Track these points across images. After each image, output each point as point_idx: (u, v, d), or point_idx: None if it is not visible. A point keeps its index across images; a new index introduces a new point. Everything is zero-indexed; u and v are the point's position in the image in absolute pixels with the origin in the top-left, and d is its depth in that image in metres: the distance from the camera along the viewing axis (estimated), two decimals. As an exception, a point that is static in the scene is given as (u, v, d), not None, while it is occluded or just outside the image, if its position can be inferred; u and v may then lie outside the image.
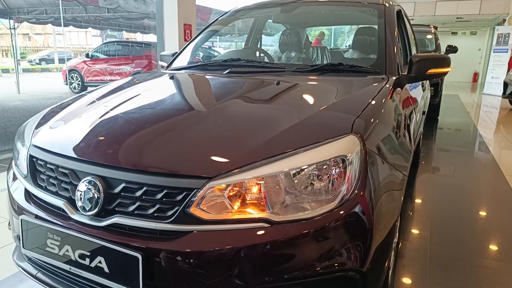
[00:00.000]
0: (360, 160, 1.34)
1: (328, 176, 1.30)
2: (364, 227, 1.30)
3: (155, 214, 1.29)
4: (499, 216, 3.08)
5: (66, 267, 1.38)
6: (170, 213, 1.27)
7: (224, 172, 1.25)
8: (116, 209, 1.34)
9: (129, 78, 2.56)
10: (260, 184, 1.26)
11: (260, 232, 1.20)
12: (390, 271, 1.80)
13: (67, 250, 1.37)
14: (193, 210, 1.24)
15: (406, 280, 2.17)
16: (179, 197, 1.26)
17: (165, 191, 1.28)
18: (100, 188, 1.35)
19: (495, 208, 3.24)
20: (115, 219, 1.32)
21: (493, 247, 2.57)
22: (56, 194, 1.49)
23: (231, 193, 1.27)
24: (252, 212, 1.25)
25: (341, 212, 1.25)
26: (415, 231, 2.78)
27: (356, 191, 1.30)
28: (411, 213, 3.09)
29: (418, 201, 3.37)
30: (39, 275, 1.62)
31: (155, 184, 1.29)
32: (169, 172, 1.29)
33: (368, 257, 1.31)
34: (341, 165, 1.32)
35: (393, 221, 1.53)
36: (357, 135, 1.40)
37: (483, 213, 3.13)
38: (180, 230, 1.24)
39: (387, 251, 1.51)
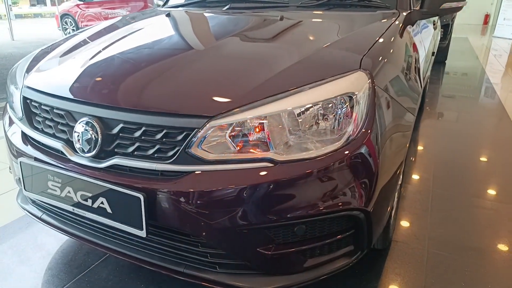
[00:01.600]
0: (368, 99, 1.28)
1: (334, 115, 1.25)
2: (370, 168, 1.26)
3: (156, 155, 1.25)
4: (502, 159, 3.07)
5: (69, 208, 1.38)
6: (170, 153, 1.23)
7: (225, 111, 1.20)
8: (116, 150, 1.31)
9: (123, 17, 2.42)
10: (263, 123, 1.21)
11: (263, 172, 1.17)
12: (393, 212, 1.81)
13: (68, 192, 1.36)
14: (194, 150, 1.20)
15: (408, 220, 2.20)
16: (179, 137, 1.22)
17: (164, 131, 1.23)
18: (98, 129, 1.30)
19: (499, 152, 3.22)
20: (115, 160, 1.29)
21: (494, 189, 2.58)
22: (53, 136, 1.45)
23: (233, 133, 1.22)
24: (255, 152, 1.21)
25: (346, 152, 1.21)
26: (417, 174, 2.78)
27: (363, 131, 1.25)
28: (414, 157, 3.08)
29: (421, 145, 3.35)
30: (44, 216, 1.63)
31: (154, 124, 1.24)
32: (168, 111, 1.23)
33: (373, 197, 1.30)
34: (348, 103, 1.26)
35: (398, 164, 1.50)
36: (365, 71, 1.33)
37: (486, 157, 3.11)
38: (181, 170, 1.21)
39: (391, 193, 1.49)
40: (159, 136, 1.24)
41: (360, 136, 1.24)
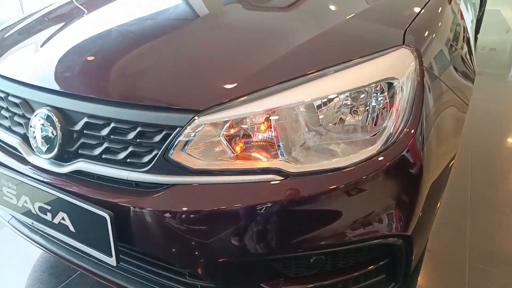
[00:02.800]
0: (414, 86, 0.94)
1: (368, 109, 0.92)
2: (414, 181, 0.94)
3: (128, 160, 0.95)
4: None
5: (28, 221, 1.10)
6: (147, 159, 0.93)
7: (219, 103, 0.88)
8: (80, 151, 1.01)
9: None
10: (270, 120, 0.88)
11: (270, 188, 0.86)
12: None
13: (25, 201, 1.07)
14: (177, 155, 0.89)
15: (443, 225, 1.87)
16: (157, 138, 0.91)
17: (138, 130, 0.92)
18: (57, 123, 1.00)
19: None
20: (79, 165, 1.00)
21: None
22: (9, 130, 1.16)
23: (229, 133, 0.90)
24: (260, 159, 0.89)
25: (384, 160, 0.88)
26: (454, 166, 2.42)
27: (407, 130, 0.91)
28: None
29: (455, 131, 2.96)
30: (13, 222, 1.37)
31: (125, 119, 0.93)
32: (142, 103, 0.92)
33: (415, 217, 0.98)
34: (386, 92, 0.92)
35: (446, 172, 1.16)
36: (411, 48, 0.98)
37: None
38: (159, 182, 0.91)
39: (435, 207, 1.16)
40: (131, 135, 0.93)
41: (403, 138, 0.91)
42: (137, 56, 1.05)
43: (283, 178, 0.86)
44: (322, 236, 0.87)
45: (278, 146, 0.88)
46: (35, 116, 1.03)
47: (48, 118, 1.01)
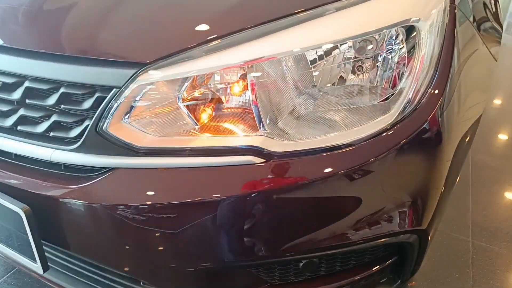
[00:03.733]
0: (444, 31, 0.69)
1: (377, 64, 0.67)
2: (434, 160, 0.71)
3: (51, 134, 0.68)
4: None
5: None
6: (75, 132, 0.67)
7: (174, 52, 0.61)
8: (-12, 120, 0.74)
9: None
10: (246, 77, 0.63)
11: (246, 175, 0.61)
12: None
13: None
14: (115, 127, 0.63)
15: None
16: (87, 104, 0.65)
17: (61, 91, 0.65)
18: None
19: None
20: (-12, 140, 0.73)
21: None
22: None
23: (191, 96, 0.65)
24: (233, 133, 0.64)
25: (401, 135, 0.65)
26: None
27: (431, 92, 0.67)
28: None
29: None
30: None
31: (42, 77, 0.66)
32: (62, 54, 0.65)
33: (432, 206, 0.76)
34: (404, 41, 0.67)
35: (467, 147, 0.93)
36: (438, -20, 0.71)
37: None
38: (92, 164, 0.66)
39: (454, 183, 0.94)
40: (52, 99, 0.66)
41: (425, 105, 0.67)
42: None
43: (264, 160, 0.62)
44: (316, 238, 0.65)
45: (258, 115, 0.63)
46: None
47: None
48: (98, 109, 0.62)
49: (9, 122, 0.71)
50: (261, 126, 0.63)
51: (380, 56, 0.68)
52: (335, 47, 0.63)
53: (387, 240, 0.71)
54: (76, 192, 0.65)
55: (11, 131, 0.72)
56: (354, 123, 0.65)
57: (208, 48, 0.61)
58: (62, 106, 0.66)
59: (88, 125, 0.64)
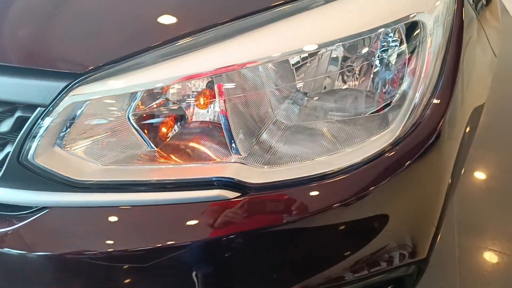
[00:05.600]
0: (451, 25, 0.58)
1: (371, 64, 0.56)
2: (438, 178, 0.61)
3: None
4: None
5: None
6: (-6, 161, 0.51)
7: (119, 59, 0.47)
8: None
9: None
10: (213, 87, 0.49)
11: (219, 217, 0.48)
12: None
13: None
14: (44, 155, 0.49)
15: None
16: (4, 126, 0.49)
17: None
18: None
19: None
20: None
21: None
22: None
23: (142, 113, 0.51)
24: (198, 159, 0.51)
25: (407, 154, 0.53)
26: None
27: (435, 103, 0.56)
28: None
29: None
30: None
31: None
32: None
33: (433, 231, 0.66)
34: (403, 40, 0.55)
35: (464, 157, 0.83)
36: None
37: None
38: (14, 202, 0.51)
39: (452, 195, 0.84)
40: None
41: (432, 113, 0.56)
42: None
43: (238, 194, 0.49)
44: (305, 283, 0.53)
45: (229, 134, 0.49)
46: None
47: None
48: (23, 133, 0.47)
49: None
50: (233, 149, 0.50)
51: (374, 56, 0.56)
52: (323, 49, 0.51)
53: (384, 276, 0.61)
54: (5, 236, 0.50)
55: None
56: (348, 140, 0.54)
57: (164, 52, 0.47)
58: (-28, 128, 0.50)
59: (8, 154, 0.49)
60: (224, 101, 0.49)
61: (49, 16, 0.51)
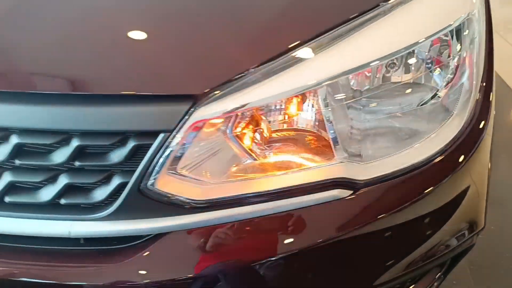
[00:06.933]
0: (484, 18, 0.67)
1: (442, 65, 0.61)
2: (488, 161, 0.69)
3: (63, 201, 0.51)
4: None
5: None
6: (101, 195, 0.50)
7: (235, 78, 0.48)
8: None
9: None
10: (316, 96, 0.52)
11: (341, 215, 0.52)
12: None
13: None
14: (163, 182, 0.49)
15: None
16: (115, 157, 0.48)
17: (74, 144, 0.48)
18: None
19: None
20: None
21: None
22: None
23: (243, 128, 0.52)
24: (303, 165, 0.54)
25: (474, 138, 0.60)
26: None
27: (485, 89, 0.64)
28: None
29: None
30: None
31: (40, 128, 0.48)
32: (72, 92, 0.48)
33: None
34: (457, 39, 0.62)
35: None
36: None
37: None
38: (133, 233, 0.50)
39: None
40: (62, 156, 0.49)
41: (483, 102, 0.63)
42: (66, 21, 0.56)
43: (350, 192, 0.52)
44: (410, 261, 0.58)
45: (334, 137, 0.53)
46: None
47: None
48: (140, 162, 0.47)
49: (-12, 192, 0.51)
50: (337, 151, 0.53)
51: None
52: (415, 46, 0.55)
53: (453, 252, 0.67)
54: (116, 272, 0.49)
55: (-6, 205, 0.52)
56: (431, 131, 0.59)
57: (271, 69, 0.49)
58: (77, 163, 0.49)
59: (122, 184, 0.48)
60: (329, 108, 0.52)
61: (159, 39, 0.51)
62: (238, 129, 0.52)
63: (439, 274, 0.75)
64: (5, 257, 0.52)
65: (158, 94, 0.47)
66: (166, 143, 0.47)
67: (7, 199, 0.51)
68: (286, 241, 0.51)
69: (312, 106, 0.53)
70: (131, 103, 0.47)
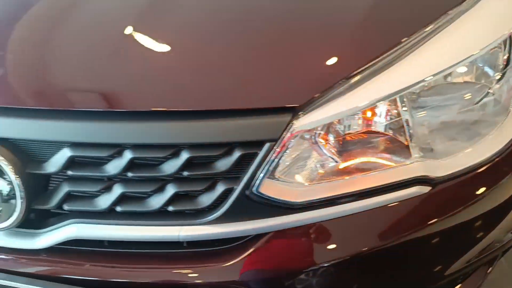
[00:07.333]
0: None
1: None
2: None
3: (171, 208, 0.56)
4: None
5: None
6: (207, 201, 0.55)
7: (329, 88, 0.54)
8: (67, 207, 0.58)
9: None
10: (396, 100, 0.58)
11: (417, 208, 0.57)
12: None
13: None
14: (267, 186, 0.54)
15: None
16: (222, 165, 0.54)
17: (184, 156, 0.53)
18: (6, 167, 0.55)
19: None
20: (71, 231, 0.58)
21: None
22: None
23: (332, 133, 0.58)
24: (382, 164, 0.59)
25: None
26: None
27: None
28: None
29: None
30: None
31: (153, 143, 0.54)
32: (182, 109, 0.54)
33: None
34: None
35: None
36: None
37: None
38: (238, 234, 0.56)
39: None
40: (171, 167, 0.54)
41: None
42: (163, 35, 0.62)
43: (430, 188, 0.58)
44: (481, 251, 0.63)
45: (410, 136, 0.58)
46: None
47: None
48: (243, 170, 0.52)
49: (102, 204, 0.57)
50: (414, 150, 0.59)
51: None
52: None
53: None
54: (226, 271, 0.54)
55: (104, 214, 0.57)
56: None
57: (360, 78, 0.54)
58: (186, 173, 0.54)
59: (228, 190, 0.54)
60: (405, 110, 0.57)
61: (257, 53, 0.56)
62: (322, 135, 0.57)
63: (490, 269, 0.80)
64: (120, 262, 0.57)
65: (263, 107, 0.52)
66: (272, 151, 0.52)
67: (118, 208, 0.56)
68: (374, 236, 0.56)
69: (388, 109, 0.58)
70: (237, 116, 0.52)
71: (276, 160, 0.53)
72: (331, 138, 0.58)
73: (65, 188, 0.57)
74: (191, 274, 0.55)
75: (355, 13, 0.62)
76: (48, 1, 0.73)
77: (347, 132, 0.59)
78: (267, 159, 0.52)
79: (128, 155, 0.54)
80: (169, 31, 0.62)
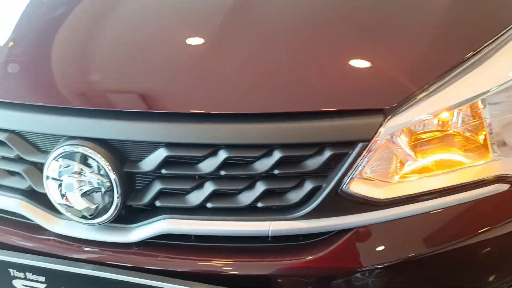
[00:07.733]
0: None
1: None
2: None
3: (260, 205, 0.59)
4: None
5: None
6: (296, 197, 0.58)
7: (417, 89, 0.56)
8: (159, 204, 0.61)
9: None
10: (478, 103, 0.60)
11: (500, 205, 0.60)
12: None
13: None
14: (355, 185, 0.57)
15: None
16: (312, 164, 0.57)
17: (276, 156, 0.56)
18: (106, 165, 0.58)
19: None
20: (161, 225, 0.61)
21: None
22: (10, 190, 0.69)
23: (414, 134, 0.60)
24: (460, 163, 0.61)
25: None
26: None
27: None
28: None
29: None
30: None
31: (247, 143, 0.57)
32: (276, 112, 0.57)
33: None
34: None
35: None
36: None
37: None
38: (327, 230, 0.58)
39: None
40: (263, 166, 0.57)
41: None
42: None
43: (509, 186, 0.60)
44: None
45: (491, 134, 0.60)
46: (56, 159, 0.60)
47: (84, 160, 0.59)
48: (337, 168, 0.55)
49: (194, 200, 0.60)
50: (492, 149, 0.61)
51: None
52: None
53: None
54: (316, 263, 0.57)
55: (194, 210, 0.61)
56: None
57: (446, 81, 0.57)
58: (277, 171, 0.57)
59: (314, 187, 0.56)
60: (486, 109, 0.59)
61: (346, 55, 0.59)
62: (403, 134, 0.60)
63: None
64: (209, 255, 0.60)
65: (356, 108, 0.54)
66: (365, 151, 0.54)
67: (209, 205, 0.60)
68: (454, 233, 0.58)
69: (468, 110, 0.60)
70: (329, 118, 0.55)
71: (367, 159, 0.55)
72: (411, 138, 0.61)
73: (157, 186, 0.60)
74: (279, 267, 0.58)
75: (440, 21, 0.64)
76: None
77: (425, 130, 0.61)
78: (359, 158, 0.55)
79: (222, 154, 0.57)
80: (258, 36, 0.64)
